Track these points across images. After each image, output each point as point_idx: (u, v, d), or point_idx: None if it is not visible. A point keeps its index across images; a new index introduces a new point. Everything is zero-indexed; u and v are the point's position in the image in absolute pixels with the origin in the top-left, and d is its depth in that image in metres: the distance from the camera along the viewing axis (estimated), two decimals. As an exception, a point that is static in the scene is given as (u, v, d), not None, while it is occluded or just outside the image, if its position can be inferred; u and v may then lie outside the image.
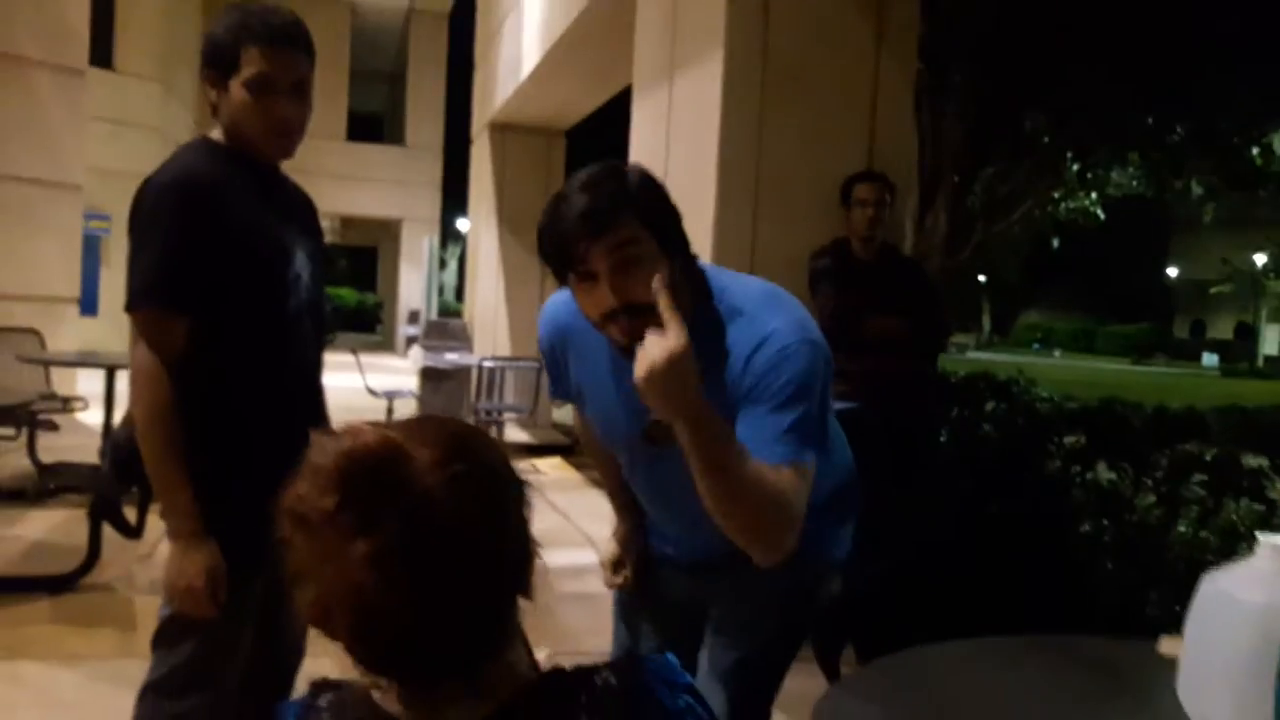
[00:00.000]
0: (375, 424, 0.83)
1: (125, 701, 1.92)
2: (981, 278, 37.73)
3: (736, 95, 3.73)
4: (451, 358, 9.39)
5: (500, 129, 10.39)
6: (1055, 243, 10.64)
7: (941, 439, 4.78)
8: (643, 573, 1.90)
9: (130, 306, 1.85)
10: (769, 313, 1.55)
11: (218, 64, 1.90)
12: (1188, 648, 1.38)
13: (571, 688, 0.88)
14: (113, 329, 11.65)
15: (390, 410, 8.25)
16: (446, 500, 0.81)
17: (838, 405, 3.70)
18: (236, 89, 1.89)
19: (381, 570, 0.78)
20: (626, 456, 1.77)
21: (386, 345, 22.27)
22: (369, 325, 29.00)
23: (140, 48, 14.57)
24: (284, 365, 1.98)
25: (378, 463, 0.80)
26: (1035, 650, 1.69)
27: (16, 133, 7.42)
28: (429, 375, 9.59)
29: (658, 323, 1.44)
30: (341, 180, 19.45)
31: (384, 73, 22.78)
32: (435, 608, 0.81)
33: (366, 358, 15.65)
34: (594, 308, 1.50)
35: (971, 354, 37.52)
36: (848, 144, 3.87)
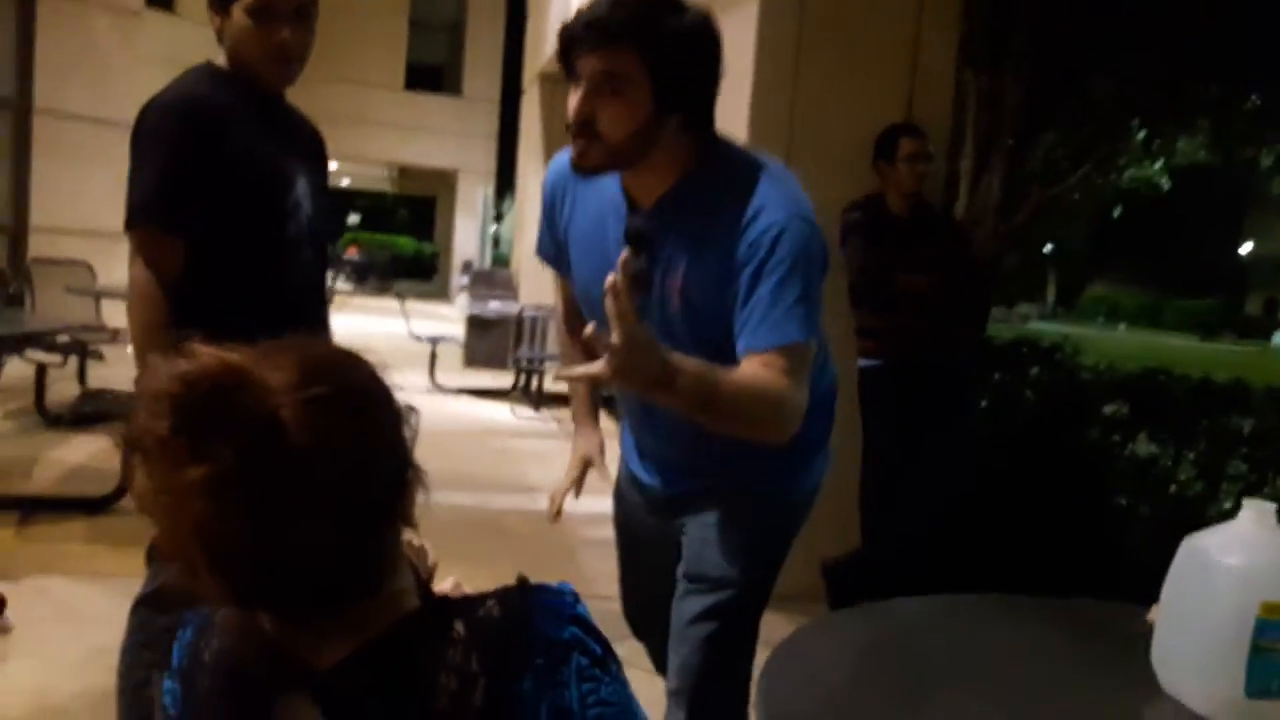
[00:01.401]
0: (226, 347, 0.79)
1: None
2: (1048, 247, 36.89)
3: (771, 41, 3.65)
4: (495, 306, 9.44)
5: (550, 81, 10.32)
6: (1117, 212, 10.37)
7: (982, 403, 4.68)
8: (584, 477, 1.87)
9: (128, 224, 1.87)
10: (766, 184, 1.52)
11: (221, -12, 1.90)
12: (1163, 612, 1.33)
13: (450, 619, 0.85)
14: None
15: (434, 355, 8.35)
16: (298, 425, 0.76)
17: (861, 362, 3.66)
18: (238, 14, 1.89)
19: (217, 499, 0.74)
20: (605, 325, 1.73)
21: (441, 294, 22.46)
22: (426, 274, 29.28)
23: (201, -9, 14.67)
24: (281, 290, 1.99)
25: (213, 386, 0.75)
26: (1020, 609, 1.65)
27: (72, 70, 7.53)
28: (474, 323, 9.68)
29: (609, 153, 1.48)
30: (399, 130, 19.54)
31: (445, 23, 22.72)
32: (286, 538, 0.77)
33: (422, 305, 15.82)
34: (569, 111, 1.50)
35: (1035, 324, 36.77)
36: (886, 95, 3.77)
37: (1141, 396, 4.47)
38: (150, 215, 1.84)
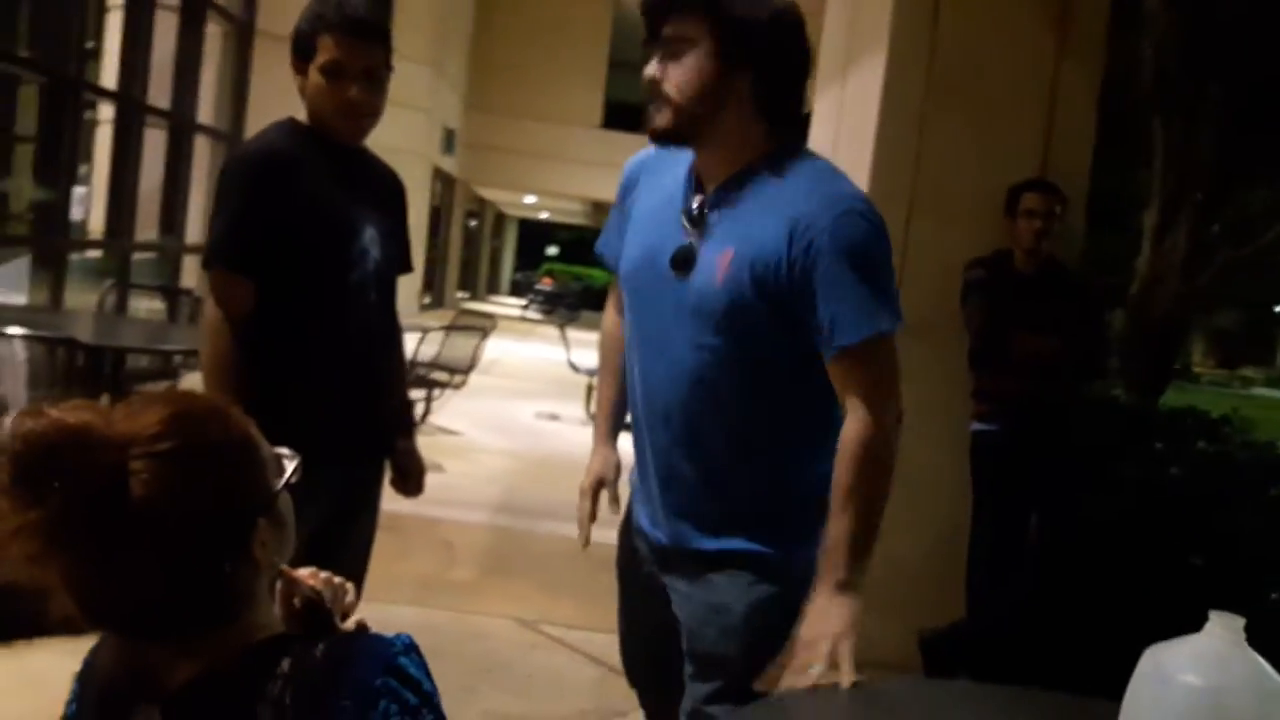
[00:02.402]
0: (80, 405, 0.89)
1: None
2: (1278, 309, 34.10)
3: (896, 94, 3.59)
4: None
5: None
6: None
7: (1127, 474, 4.40)
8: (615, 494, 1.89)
9: (203, 265, 2.05)
10: (829, 178, 1.58)
11: (300, 51, 2.07)
12: (1122, 720, 1.25)
13: (280, 657, 0.92)
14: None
15: (589, 388, 8.50)
16: (141, 476, 0.87)
17: (974, 425, 3.53)
18: (313, 73, 2.05)
19: (50, 539, 0.85)
20: (640, 305, 1.72)
21: (625, 327, 22.86)
22: (615, 307, 29.94)
23: (415, 32, 15.58)
24: (343, 332, 2.12)
25: (48, 445, 0.85)
26: (994, 698, 1.56)
27: (278, 108, 8.14)
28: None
29: (675, 113, 1.55)
30: (594, 166, 20.08)
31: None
32: (117, 576, 0.87)
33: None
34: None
35: (1259, 390, 33.89)
36: (1018, 150, 3.63)
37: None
38: (220, 257, 2.02)
